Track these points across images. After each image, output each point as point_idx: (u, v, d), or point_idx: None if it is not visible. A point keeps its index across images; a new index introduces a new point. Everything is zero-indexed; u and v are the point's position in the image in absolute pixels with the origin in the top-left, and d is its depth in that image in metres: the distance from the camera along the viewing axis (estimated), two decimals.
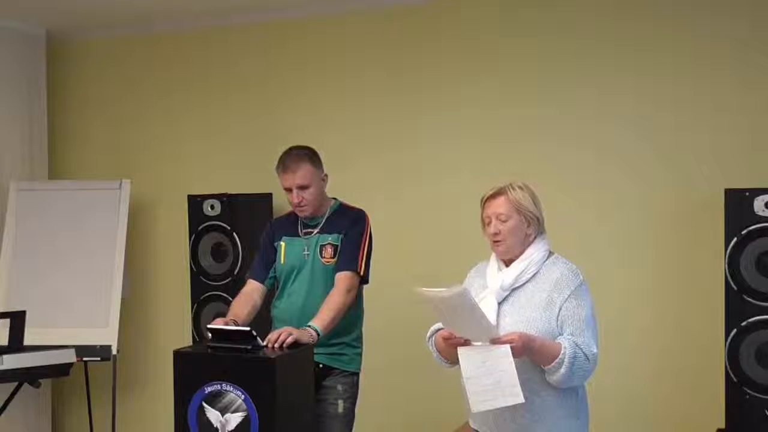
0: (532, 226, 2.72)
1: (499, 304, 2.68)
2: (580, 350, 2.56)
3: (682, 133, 4.10)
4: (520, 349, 2.49)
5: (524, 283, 2.69)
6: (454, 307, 2.47)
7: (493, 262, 2.78)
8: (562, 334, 2.61)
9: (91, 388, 5.01)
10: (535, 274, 2.69)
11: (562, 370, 2.54)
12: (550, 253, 2.76)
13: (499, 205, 2.71)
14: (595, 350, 2.60)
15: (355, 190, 3.88)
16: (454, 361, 2.61)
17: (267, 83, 4.96)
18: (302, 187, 3.37)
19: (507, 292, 2.69)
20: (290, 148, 3.47)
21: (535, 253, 2.71)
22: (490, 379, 2.47)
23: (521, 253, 2.71)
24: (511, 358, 2.45)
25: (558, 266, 2.71)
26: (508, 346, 2.46)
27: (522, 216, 2.70)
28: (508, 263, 2.74)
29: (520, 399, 2.46)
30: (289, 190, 3.40)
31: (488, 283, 2.73)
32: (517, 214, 2.69)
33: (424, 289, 2.46)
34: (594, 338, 2.62)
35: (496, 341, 2.48)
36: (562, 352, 2.53)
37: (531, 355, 2.55)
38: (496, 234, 2.70)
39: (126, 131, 5.34)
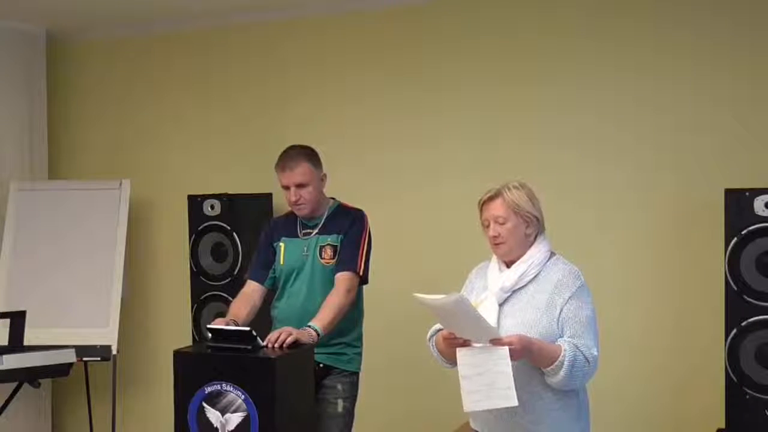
0: (531, 225, 2.71)
1: (500, 305, 2.67)
2: (580, 352, 2.55)
3: (682, 133, 4.10)
4: (519, 352, 2.48)
5: (525, 285, 2.68)
6: (452, 312, 2.47)
7: (494, 263, 2.77)
8: (563, 336, 2.60)
9: (91, 388, 5.00)
10: (536, 276, 2.69)
11: (562, 372, 2.53)
12: (552, 254, 2.75)
13: (497, 208, 2.70)
14: (595, 352, 2.59)
15: (354, 190, 3.88)
16: (455, 361, 2.60)
17: (267, 83, 4.96)
18: (300, 186, 3.37)
19: (508, 294, 2.68)
20: (289, 147, 3.48)
21: (536, 254, 2.70)
22: (486, 379, 2.47)
23: (523, 254, 2.71)
24: (509, 360, 2.45)
25: (559, 268, 2.70)
26: (506, 348, 2.46)
27: (520, 217, 2.69)
28: (509, 264, 2.73)
29: (514, 402, 2.45)
30: (287, 188, 3.40)
31: (489, 285, 2.72)
32: (515, 215, 2.68)
33: (422, 295, 2.46)
34: (595, 340, 2.62)
35: (495, 342, 2.48)
36: (561, 354, 2.53)
37: (530, 358, 2.55)
38: (495, 237, 2.69)
39: (126, 131, 5.34)
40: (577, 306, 2.62)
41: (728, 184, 3.73)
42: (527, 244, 2.72)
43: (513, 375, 2.45)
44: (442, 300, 2.41)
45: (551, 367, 2.54)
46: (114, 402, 4.78)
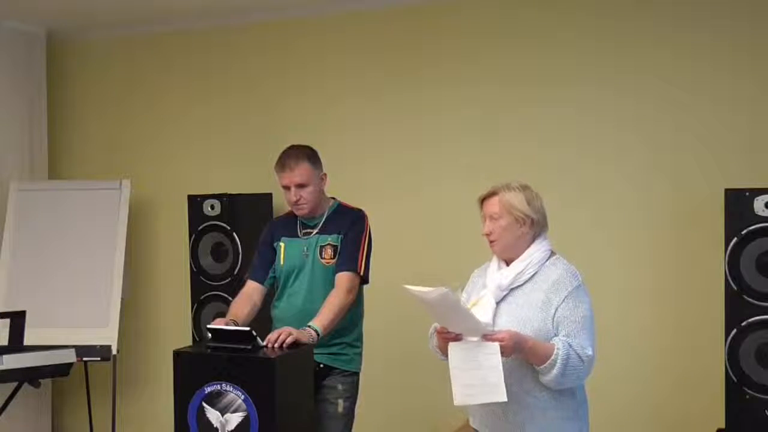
0: (525, 226, 2.72)
1: (498, 303, 2.68)
2: (574, 351, 2.56)
3: (681, 133, 4.10)
4: (510, 348, 2.50)
5: (523, 284, 2.69)
6: (441, 306, 2.49)
7: (495, 262, 2.79)
8: (558, 335, 2.61)
9: (91, 388, 5.01)
10: (534, 275, 2.69)
11: (554, 371, 2.54)
12: (552, 254, 2.76)
13: (492, 205, 2.73)
14: (590, 352, 2.59)
15: (355, 190, 3.89)
16: None
17: (267, 83, 4.96)
18: (300, 186, 3.37)
19: (505, 292, 2.69)
20: (289, 147, 3.47)
21: (535, 253, 2.71)
22: (476, 374, 2.50)
23: (521, 252, 2.72)
24: (499, 356, 2.47)
25: (557, 267, 2.71)
26: (497, 344, 2.48)
27: (513, 216, 2.71)
28: (508, 263, 2.74)
29: (503, 397, 2.47)
30: (287, 188, 3.40)
31: (487, 283, 2.74)
32: (508, 214, 2.70)
33: (410, 287, 2.48)
34: (590, 340, 2.62)
35: (487, 338, 2.50)
36: (554, 352, 2.54)
37: (522, 355, 2.56)
38: (489, 233, 2.73)
39: (126, 131, 5.34)
40: (573, 306, 2.63)
41: (728, 184, 3.73)
42: (523, 243, 2.73)
43: (503, 371, 2.46)
44: (429, 293, 2.43)
45: (544, 365, 2.55)
46: (114, 402, 4.79)
